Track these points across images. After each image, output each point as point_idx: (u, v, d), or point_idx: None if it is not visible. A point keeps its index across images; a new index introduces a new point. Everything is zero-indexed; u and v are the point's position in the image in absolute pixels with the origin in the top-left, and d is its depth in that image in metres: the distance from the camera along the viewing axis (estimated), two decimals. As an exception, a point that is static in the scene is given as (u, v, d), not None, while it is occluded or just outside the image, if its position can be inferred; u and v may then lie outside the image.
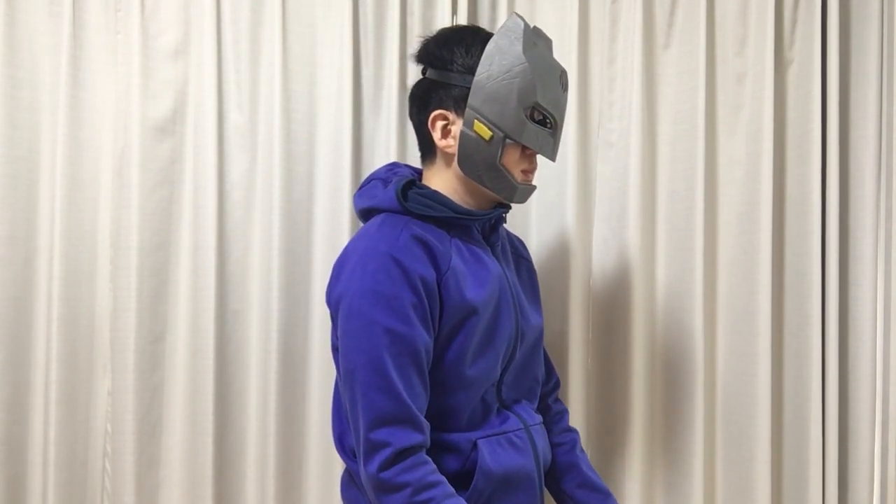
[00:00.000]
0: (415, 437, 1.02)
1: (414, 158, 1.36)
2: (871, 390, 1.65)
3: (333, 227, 1.58)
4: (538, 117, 1.16)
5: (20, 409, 1.51)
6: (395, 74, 1.59)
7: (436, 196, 1.15)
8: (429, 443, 1.06)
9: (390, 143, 1.59)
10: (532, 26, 1.17)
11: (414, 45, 1.24)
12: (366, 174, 1.61)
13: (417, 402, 1.04)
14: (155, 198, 1.55)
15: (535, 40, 1.16)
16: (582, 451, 1.36)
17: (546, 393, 1.38)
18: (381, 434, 1.01)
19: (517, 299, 1.21)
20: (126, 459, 1.52)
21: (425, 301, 1.06)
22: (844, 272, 1.70)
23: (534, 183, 1.24)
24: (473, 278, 1.12)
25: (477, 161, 1.14)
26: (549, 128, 1.17)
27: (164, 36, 1.55)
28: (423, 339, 1.05)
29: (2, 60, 1.47)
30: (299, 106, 1.59)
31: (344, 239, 1.57)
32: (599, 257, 1.65)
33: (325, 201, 1.59)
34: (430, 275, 1.07)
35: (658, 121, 1.67)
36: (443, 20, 1.59)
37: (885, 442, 1.64)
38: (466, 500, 1.07)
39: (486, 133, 1.12)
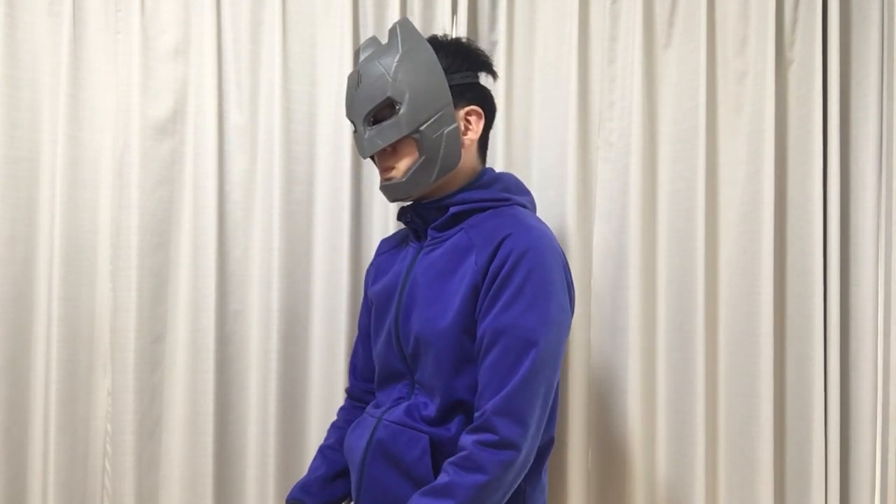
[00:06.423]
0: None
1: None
2: (873, 390, 1.64)
3: (333, 227, 1.58)
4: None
5: (20, 409, 1.52)
6: (395, 74, 1.59)
7: None
8: (355, 391, 1.37)
9: (390, 142, 1.59)
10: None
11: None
12: (366, 174, 1.62)
13: (355, 360, 1.39)
14: (155, 198, 1.55)
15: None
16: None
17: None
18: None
19: (406, 301, 1.18)
20: (126, 459, 1.52)
21: (364, 290, 1.38)
22: (846, 271, 1.69)
23: (393, 180, 1.19)
24: (379, 272, 1.30)
25: None
26: (355, 131, 1.21)
27: (164, 36, 1.55)
28: (362, 319, 1.37)
29: (2, 60, 1.48)
30: (299, 106, 1.59)
31: (344, 239, 1.57)
32: (600, 257, 1.65)
33: (325, 201, 1.59)
34: (370, 269, 1.36)
35: (659, 120, 1.66)
36: (443, 20, 1.59)
37: (885, 441, 1.63)
38: None
39: None
